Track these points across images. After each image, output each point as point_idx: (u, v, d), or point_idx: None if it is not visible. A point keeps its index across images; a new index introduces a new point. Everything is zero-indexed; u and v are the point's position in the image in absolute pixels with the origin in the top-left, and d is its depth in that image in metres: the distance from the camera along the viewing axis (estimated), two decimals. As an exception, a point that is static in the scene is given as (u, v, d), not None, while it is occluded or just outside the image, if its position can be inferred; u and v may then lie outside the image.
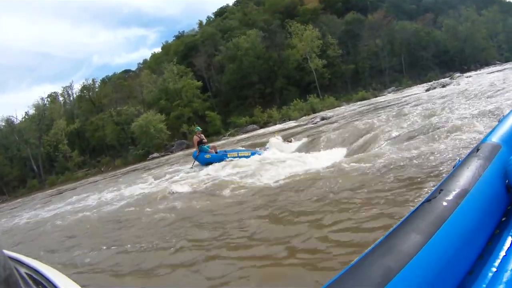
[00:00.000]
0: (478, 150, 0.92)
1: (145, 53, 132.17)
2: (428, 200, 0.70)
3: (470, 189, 0.73)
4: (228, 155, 8.80)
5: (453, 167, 0.89)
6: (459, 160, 0.95)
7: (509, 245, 0.71)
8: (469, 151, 0.96)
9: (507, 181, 0.85)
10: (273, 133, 13.34)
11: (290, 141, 9.21)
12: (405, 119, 6.89)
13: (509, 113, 1.19)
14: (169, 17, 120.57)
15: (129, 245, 3.41)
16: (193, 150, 9.86)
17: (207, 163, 8.87)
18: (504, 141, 0.97)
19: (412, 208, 0.69)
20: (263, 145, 10.41)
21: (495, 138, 0.99)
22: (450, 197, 0.69)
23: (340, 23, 44.28)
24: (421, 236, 0.59)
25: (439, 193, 0.72)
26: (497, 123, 1.15)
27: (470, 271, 0.64)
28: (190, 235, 3.31)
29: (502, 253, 0.68)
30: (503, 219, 0.82)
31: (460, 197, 0.70)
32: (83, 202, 8.47)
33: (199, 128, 10.43)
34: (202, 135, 9.68)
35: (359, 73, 43.05)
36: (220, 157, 8.80)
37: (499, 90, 8.07)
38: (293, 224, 2.90)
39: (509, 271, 0.61)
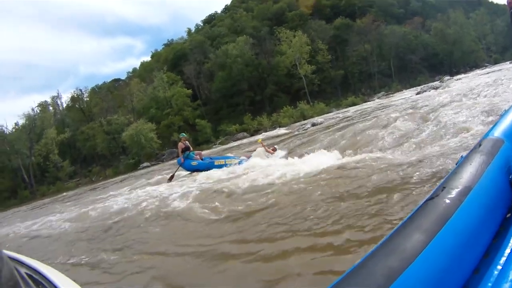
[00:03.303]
0: (480, 145, 0.90)
1: (132, 62, 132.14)
2: (431, 198, 0.69)
3: (474, 186, 0.71)
4: (216, 163, 8.61)
5: (456, 164, 0.87)
6: (462, 156, 0.93)
7: None
8: (472, 147, 0.94)
9: (510, 177, 0.83)
10: (256, 141, 13.24)
11: (274, 149, 9.02)
12: (396, 123, 6.83)
13: (510, 108, 1.17)
14: (155, 25, 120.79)
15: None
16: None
17: (193, 170, 8.67)
18: (507, 135, 0.96)
19: (414, 207, 0.68)
20: (252, 152, 10.37)
21: (498, 133, 0.97)
22: (453, 195, 0.68)
23: (328, 29, 44.48)
24: (425, 235, 0.58)
25: (442, 190, 0.70)
26: (499, 117, 1.13)
27: (475, 269, 0.64)
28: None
29: (508, 251, 0.67)
30: (508, 215, 0.81)
31: (464, 194, 0.68)
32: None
33: (184, 134, 10.19)
34: (187, 141, 9.48)
35: (349, 79, 43.24)
36: (207, 165, 8.61)
37: (489, 91, 8.09)
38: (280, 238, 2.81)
39: None
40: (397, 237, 0.59)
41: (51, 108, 52.11)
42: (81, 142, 45.76)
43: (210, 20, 54.05)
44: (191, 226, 3.83)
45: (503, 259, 0.65)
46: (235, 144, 26.69)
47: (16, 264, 0.84)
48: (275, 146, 9.57)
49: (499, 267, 0.63)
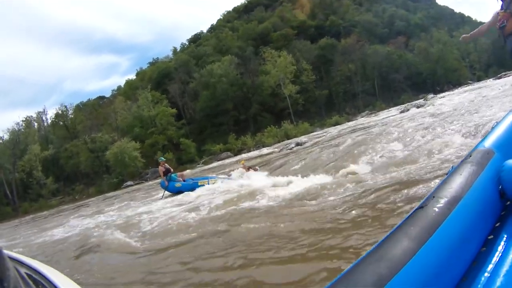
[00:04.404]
0: (471, 156, 0.92)
1: (117, 80, 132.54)
2: (420, 207, 0.70)
3: (463, 196, 0.73)
4: (199, 183, 8.89)
5: (446, 174, 0.89)
6: (452, 166, 0.94)
7: (502, 250, 0.72)
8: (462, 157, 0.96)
9: (500, 187, 0.86)
10: (239, 162, 13.29)
11: (256, 170, 9.25)
12: (381, 140, 6.87)
13: (502, 120, 1.19)
14: (141, 43, 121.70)
15: None
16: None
17: (178, 191, 8.84)
18: (497, 147, 0.97)
19: (405, 216, 0.69)
20: (232, 171, 10.45)
21: (488, 144, 0.99)
22: (442, 204, 0.69)
23: (313, 49, 44.98)
24: (414, 243, 0.59)
25: (432, 200, 0.71)
26: (490, 129, 1.15)
27: (463, 277, 0.65)
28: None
29: (495, 259, 0.69)
30: (497, 224, 0.83)
31: (453, 204, 0.70)
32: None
33: (163, 158, 10.51)
34: (167, 164, 9.81)
35: (333, 98, 43.58)
36: (191, 186, 8.84)
37: (472, 108, 8.22)
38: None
39: (501, 276, 0.62)
40: (387, 245, 0.59)
41: (35, 124, 51.68)
42: (65, 160, 45.22)
43: (196, 39, 54.40)
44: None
45: (491, 266, 0.67)
46: (219, 164, 26.61)
47: (16, 264, 0.82)
48: (257, 167, 9.96)
49: (487, 274, 0.65)
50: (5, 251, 0.44)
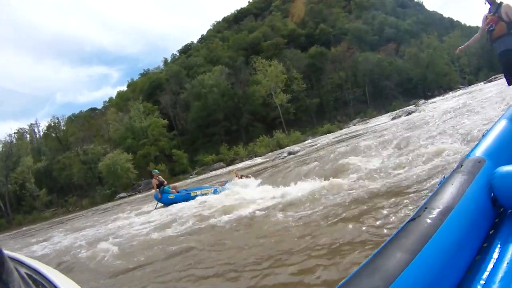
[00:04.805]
0: (462, 166, 0.92)
1: (109, 92, 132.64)
2: (413, 218, 0.70)
3: (455, 205, 0.74)
4: (192, 194, 8.93)
5: (438, 184, 0.89)
6: (443, 177, 0.94)
7: (497, 257, 0.72)
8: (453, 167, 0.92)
9: (492, 195, 0.86)
10: (231, 172, 13.36)
11: (249, 177, 9.33)
12: (374, 148, 6.86)
13: (491, 128, 1.19)
14: (131, 55, 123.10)
15: None
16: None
17: (171, 203, 8.88)
18: (488, 155, 0.98)
19: (398, 228, 0.69)
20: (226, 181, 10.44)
21: (479, 153, 0.99)
22: (434, 215, 0.70)
23: (304, 57, 45.22)
24: (407, 255, 0.59)
25: (424, 211, 0.72)
26: (480, 138, 1.14)
27: (458, 286, 0.65)
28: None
29: (490, 266, 0.69)
30: (491, 232, 0.83)
31: (445, 214, 0.70)
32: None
33: (156, 171, 10.58)
34: (160, 176, 9.90)
35: (324, 106, 43.77)
36: (184, 197, 8.90)
37: (463, 113, 8.23)
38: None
39: (497, 283, 0.63)
40: (380, 257, 0.60)
41: (27, 135, 51.59)
42: (58, 172, 45.10)
43: (186, 50, 54.53)
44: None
45: (486, 274, 0.67)
46: (212, 175, 26.56)
47: (16, 264, 0.83)
48: (249, 175, 9.97)
49: (482, 282, 0.65)
50: (5, 251, 0.44)
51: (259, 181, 8.71)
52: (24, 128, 50.15)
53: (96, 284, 3.49)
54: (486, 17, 3.97)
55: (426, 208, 0.74)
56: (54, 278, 0.83)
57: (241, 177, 9.47)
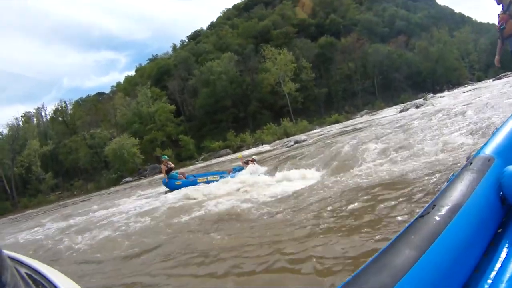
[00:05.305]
0: (471, 163, 0.93)
1: (116, 77, 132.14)
2: (421, 215, 0.70)
3: (464, 203, 0.74)
4: (198, 180, 9.16)
5: (447, 182, 0.89)
6: (452, 174, 0.95)
7: (504, 257, 0.72)
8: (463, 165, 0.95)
9: (501, 193, 0.86)
10: (236, 156, 13.43)
11: (253, 160, 9.47)
12: (382, 139, 6.80)
13: (501, 126, 1.18)
14: (140, 40, 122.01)
15: None
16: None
17: (178, 188, 9.04)
18: (497, 153, 0.98)
19: (406, 225, 0.69)
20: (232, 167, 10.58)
21: (488, 151, 0.99)
22: (443, 212, 0.70)
23: (313, 47, 44.89)
24: (415, 252, 0.59)
25: (432, 208, 0.72)
26: (490, 136, 1.14)
27: (465, 284, 0.65)
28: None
29: (498, 265, 0.69)
30: (499, 230, 0.83)
31: (454, 212, 0.70)
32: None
33: (166, 156, 10.79)
34: (169, 162, 10.10)
35: (332, 96, 43.54)
36: (190, 183, 9.07)
37: (473, 109, 8.06)
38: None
39: (504, 282, 0.63)
40: (388, 253, 0.60)
41: (34, 119, 51.68)
42: (64, 155, 45.27)
43: (196, 36, 54.27)
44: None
45: (494, 273, 0.67)
46: (218, 161, 26.57)
47: (16, 264, 0.83)
48: (254, 156, 10.19)
49: (490, 281, 0.65)
50: (5, 251, 0.44)
51: (265, 168, 8.87)
52: (30, 112, 50.22)
53: (79, 270, 3.43)
54: (498, 16, 3.95)
55: (435, 205, 0.73)
56: (54, 278, 0.83)
57: (247, 162, 9.52)
